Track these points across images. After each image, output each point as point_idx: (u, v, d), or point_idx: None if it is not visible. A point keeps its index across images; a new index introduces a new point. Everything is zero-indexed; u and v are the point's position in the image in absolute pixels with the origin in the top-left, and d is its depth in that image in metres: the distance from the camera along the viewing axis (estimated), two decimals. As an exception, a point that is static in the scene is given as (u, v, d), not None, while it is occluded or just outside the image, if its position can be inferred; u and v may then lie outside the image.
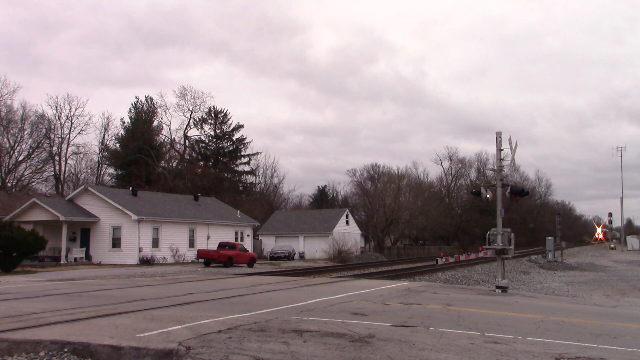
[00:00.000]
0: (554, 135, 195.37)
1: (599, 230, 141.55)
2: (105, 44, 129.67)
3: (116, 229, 41.23)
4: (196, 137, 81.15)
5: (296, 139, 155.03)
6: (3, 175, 60.42)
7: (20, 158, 61.69)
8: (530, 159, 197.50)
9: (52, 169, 66.77)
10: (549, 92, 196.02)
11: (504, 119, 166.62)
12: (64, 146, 67.55)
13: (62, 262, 38.29)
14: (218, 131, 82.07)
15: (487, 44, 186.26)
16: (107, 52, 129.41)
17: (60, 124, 67.36)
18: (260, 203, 79.67)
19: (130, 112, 77.02)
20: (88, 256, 40.87)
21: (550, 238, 55.41)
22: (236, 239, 49.50)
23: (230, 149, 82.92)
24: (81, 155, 70.68)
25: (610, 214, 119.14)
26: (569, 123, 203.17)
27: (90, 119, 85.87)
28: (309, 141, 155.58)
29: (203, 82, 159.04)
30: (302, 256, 60.67)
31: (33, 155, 62.46)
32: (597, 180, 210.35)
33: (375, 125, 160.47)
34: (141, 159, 68.12)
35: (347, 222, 66.34)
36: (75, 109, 67.85)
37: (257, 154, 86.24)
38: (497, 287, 19.86)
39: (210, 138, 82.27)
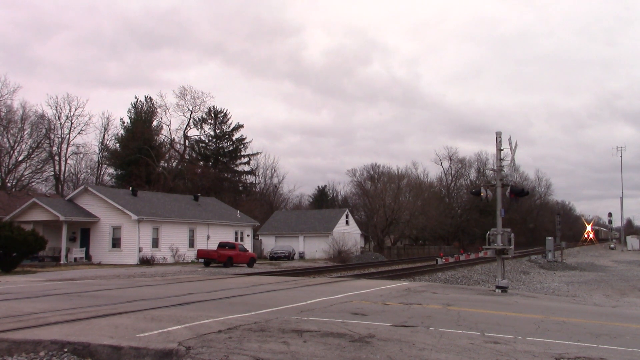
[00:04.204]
0: (550, 135, 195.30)
1: (588, 228, 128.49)
2: (100, 45, 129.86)
3: (116, 229, 41.23)
4: (196, 137, 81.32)
5: (293, 140, 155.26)
6: (3, 175, 60.43)
7: (20, 158, 61.71)
8: (527, 160, 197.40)
9: (52, 169, 66.79)
10: (544, 92, 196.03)
11: (500, 120, 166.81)
12: (64, 146, 67.65)
13: (62, 262, 38.29)
14: (218, 131, 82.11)
15: (481, 45, 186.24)
16: (102, 53, 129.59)
17: (60, 124, 67.45)
18: (260, 203, 79.68)
19: (130, 112, 77.12)
20: (88, 256, 40.87)
21: (550, 238, 55.32)
22: (236, 239, 49.50)
23: (230, 149, 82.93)
24: (81, 155, 70.80)
25: (610, 214, 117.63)
26: (565, 124, 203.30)
27: (90, 119, 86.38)
28: (306, 141, 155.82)
29: (199, 83, 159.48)
30: (302, 256, 60.68)
31: (33, 155, 62.49)
32: (594, 180, 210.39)
33: (372, 126, 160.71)
34: (141, 159, 68.11)
35: (347, 222, 66.35)
36: (75, 109, 67.97)
37: (257, 154, 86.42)
38: (497, 287, 19.86)
39: (210, 138, 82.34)
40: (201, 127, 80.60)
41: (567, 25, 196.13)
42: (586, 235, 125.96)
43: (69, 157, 68.77)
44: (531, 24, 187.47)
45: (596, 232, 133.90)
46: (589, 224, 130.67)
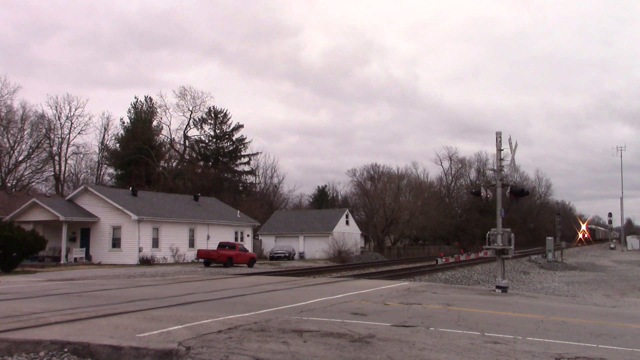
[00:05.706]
0: (548, 136, 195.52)
1: (583, 227, 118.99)
2: (99, 45, 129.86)
3: (116, 229, 41.22)
4: (196, 137, 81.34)
5: (292, 140, 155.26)
6: (3, 175, 60.46)
7: (20, 158, 61.81)
8: (526, 160, 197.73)
9: (52, 169, 66.86)
10: (541, 93, 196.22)
11: (498, 120, 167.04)
12: (64, 146, 67.75)
13: (62, 262, 38.29)
14: (218, 131, 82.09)
15: (479, 45, 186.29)
16: (100, 53, 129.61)
17: (60, 124, 67.55)
18: (260, 203, 79.69)
19: (130, 112, 77.16)
20: (88, 256, 40.87)
21: (550, 238, 55.29)
22: (236, 239, 49.50)
23: (230, 149, 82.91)
24: (81, 155, 70.89)
25: (610, 214, 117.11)
26: (563, 124, 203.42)
27: (90, 119, 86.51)
28: (305, 142, 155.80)
29: (198, 84, 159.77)
30: (302, 256, 60.67)
31: (33, 155, 62.61)
32: (593, 180, 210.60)
33: (370, 126, 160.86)
34: (141, 159, 68.12)
35: (347, 222, 66.34)
36: (75, 109, 68.13)
37: (257, 154, 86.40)
38: (497, 287, 19.86)
39: (210, 138, 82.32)
40: (201, 127, 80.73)
41: (564, 26, 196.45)
42: (580, 235, 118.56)
43: (69, 157, 68.93)
44: (528, 25, 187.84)
45: (592, 232, 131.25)
46: (583, 223, 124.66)
